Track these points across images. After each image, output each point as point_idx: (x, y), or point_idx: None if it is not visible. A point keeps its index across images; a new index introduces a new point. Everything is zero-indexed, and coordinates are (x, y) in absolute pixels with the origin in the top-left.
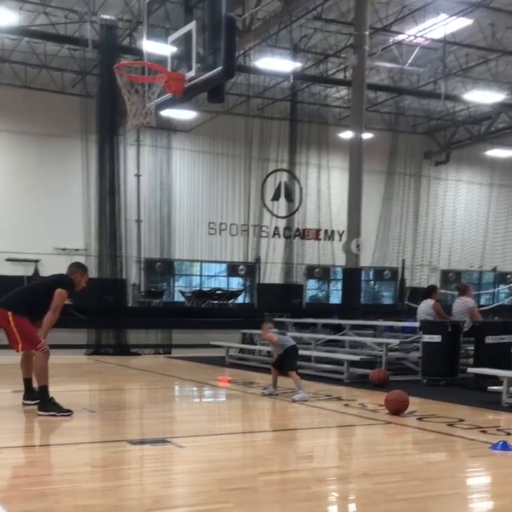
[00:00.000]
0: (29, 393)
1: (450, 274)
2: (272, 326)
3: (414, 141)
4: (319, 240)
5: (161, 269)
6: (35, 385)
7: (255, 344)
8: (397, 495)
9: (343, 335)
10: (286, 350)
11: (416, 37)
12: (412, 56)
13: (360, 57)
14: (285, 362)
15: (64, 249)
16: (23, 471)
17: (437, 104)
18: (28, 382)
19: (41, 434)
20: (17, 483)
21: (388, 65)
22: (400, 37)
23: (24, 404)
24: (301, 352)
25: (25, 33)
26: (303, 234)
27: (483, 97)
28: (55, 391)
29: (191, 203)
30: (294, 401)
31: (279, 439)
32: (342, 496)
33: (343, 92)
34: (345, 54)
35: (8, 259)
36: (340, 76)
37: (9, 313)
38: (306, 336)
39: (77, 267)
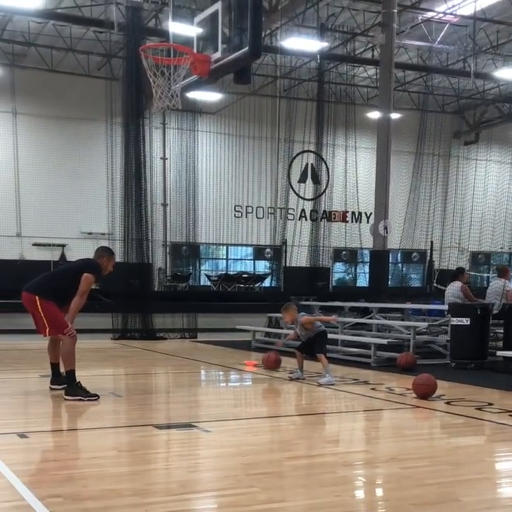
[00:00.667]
0: (56, 378)
1: (479, 255)
2: (297, 309)
3: (443, 121)
4: (346, 222)
5: (187, 252)
6: (62, 369)
7: (281, 328)
8: (425, 479)
9: (371, 318)
10: (319, 333)
11: (445, 14)
12: (442, 34)
13: (389, 36)
14: (315, 345)
15: (90, 234)
16: (51, 455)
17: (467, 82)
18: (55, 366)
19: (68, 418)
20: (45, 468)
21: (417, 43)
22: (429, 14)
23: (51, 388)
24: (330, 335)
25: (51, 16)
26: (329, 216)
27: None
28: (81, 376)
29: (217, 186)
30: (320, 385)
31: (306, 423)
32: (369, 481)
33: (371, 71)
34: (373, 33)
35: (35, 244)
36: (368, 55)
37: (37, 297)
38: (332, 318)
39: (104, 251)
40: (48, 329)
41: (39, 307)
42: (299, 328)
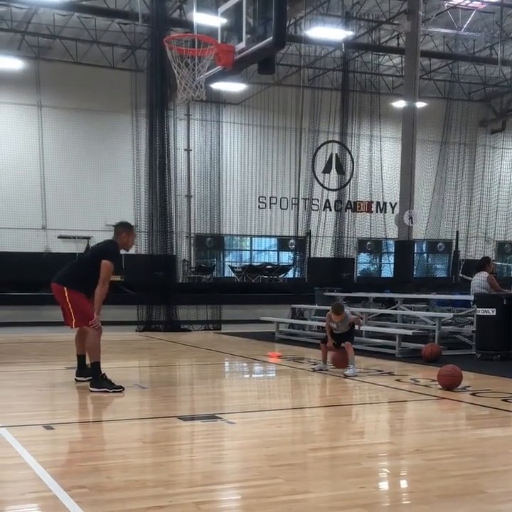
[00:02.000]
0: (82, 370)
1: (506, 245)
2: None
3: (470, 109)
4: (371, 212)
5: (211, 244)
6: (87, 361)
7: (305, 319)
8: (450, 471)
9: (395, 309)
10: (350, 328)
11: (472, 0)
12: (468, 21)
13: (414, 24)
14: (346, 335)
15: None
16: (76, 446)
17: (494, 70)
18: (81, 358)
19: (93, 410)
20: (70, 459)
21: (443, 30)
22: (455, 1)
23: (77, 380)
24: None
25: (76, 8)
26: (354, 206)
27: None
28: (106, 367)
29: (241, 177)
30: (346, 376)
31: (330, 414)
32: (393, 472)
33: (396, 60)
34: (398, 20)
35: (60, 237)
36: (393, 43)
37: (65, 288)
38: (357, 310)
39: (122, 227)
40: (74, 321)
41: (67, 298)
42: (339, 325)
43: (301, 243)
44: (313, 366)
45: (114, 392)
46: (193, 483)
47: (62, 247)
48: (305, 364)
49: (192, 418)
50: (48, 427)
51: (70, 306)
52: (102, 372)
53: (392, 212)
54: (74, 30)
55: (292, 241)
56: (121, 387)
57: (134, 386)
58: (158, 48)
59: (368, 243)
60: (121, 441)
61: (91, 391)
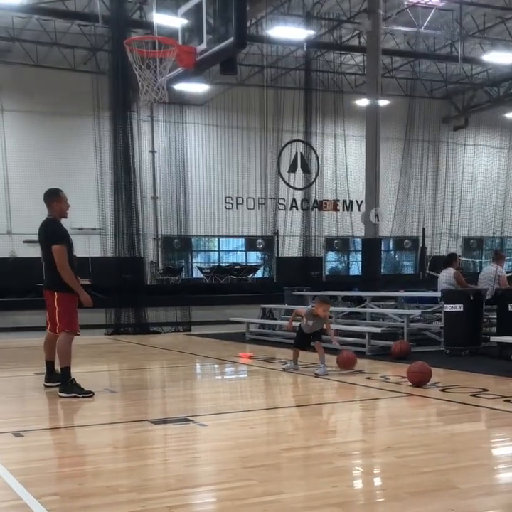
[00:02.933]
0: (50, 375)
1: (471, 241)
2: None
3: (432, 106)
4: (337, 210)
5: (179, 245)
6: (57, 367)
7: (275, 319)
8: (422, 467)
9: (364, 307)
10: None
11: None
12: (428, 19)
13: (375, 22)
14: (316, 334)
15: (81, 229)
16: (46, 453)
17: (455, 67)
18: (49, 364)
19: (63, 416)
20: (40, 466)
21: (403, 29)
22: None
23: (46, 386)
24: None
25: (35, 10)
26: (320, 205)
27: (501, 58)
28: (76, 372)
29: (207, 178)
30: (317, 375)
31: (302, 414)
32: (366, 471)
33: (358, 58)
34: (359, 19)
35: (26, 241)
36: (354, 42)
37: (56, 293)
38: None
39: (49, 197)
40: (58, 325)
41: (56, 302)
42: (313, 321)
43: (269, 243)
44: (283, 366)
45: (83, 397)
46: (166, 487)
47: (28, 251)
48: (276, 364)
49: (164, 421)
50: (17, 434)
51: (57, 310)
52: (72, 378)
53: (359, 211)
54: (33, 33)
55: (260, 241)
56: (91, 392)
57: (104, 390)
58: (120, 49)
59: (336, 241)
60: (93, 446)
61: (60, 397)
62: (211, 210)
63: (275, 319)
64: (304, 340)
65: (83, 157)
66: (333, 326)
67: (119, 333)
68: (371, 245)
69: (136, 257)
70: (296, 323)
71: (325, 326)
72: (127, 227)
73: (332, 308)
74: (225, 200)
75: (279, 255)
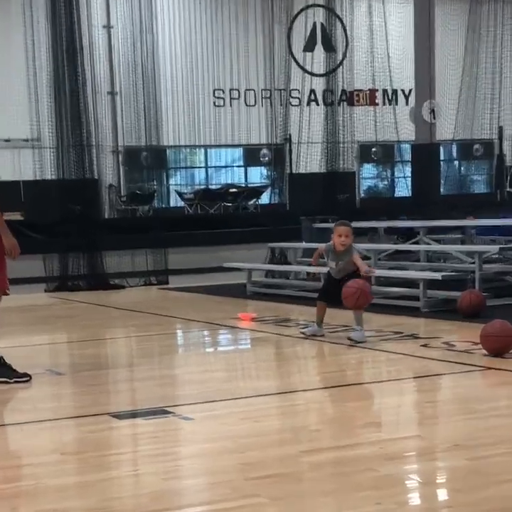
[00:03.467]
0: None
1: None
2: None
3: None
4: (376, 105)
5: (149, 161)
6: None
7: (289, 263)
8: (503, 474)
9: (417, 243)
10: (354, 271)
11: None
12: None
13: None
14: (349, 280)
15: (8, 141)
16: None
17: None
18: None
19: None
20: None
21: None
22: None
23: None
24: None
25: None
26: (351, 98)
27: None
28: (4, 348)
29: (187, 63)
30: (352, 342)
31: (331, 399)
32: (424, 481)
33: None
34: None
35: None
36: None
37: None
38: (362, 246)
39: None
40: None
41: None
42: (343, 261)
43: (277, 154)
44: (303, 330)
45: (16, 381)
46: (139, 508)
47: None
48: (291, 328)
49: (132, 415)
50: None
51: None
52: None
53: (406, 105)
54: None
55: (265, 152)
56: (26, 374)
57: (46, 372)
58: None
59: (374, 150)
60: (31, 453)
61: None
62: (194, 110)
63: (289, 263)
64: (332, 291)
65: (9, 46)
66: (376, 271)
67: (65, 290)
68: (425, 154)
69: (88, 179)
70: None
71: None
72: (73, 136)
73: (370, 246)
74: (214, 94)
75: (293, 171)
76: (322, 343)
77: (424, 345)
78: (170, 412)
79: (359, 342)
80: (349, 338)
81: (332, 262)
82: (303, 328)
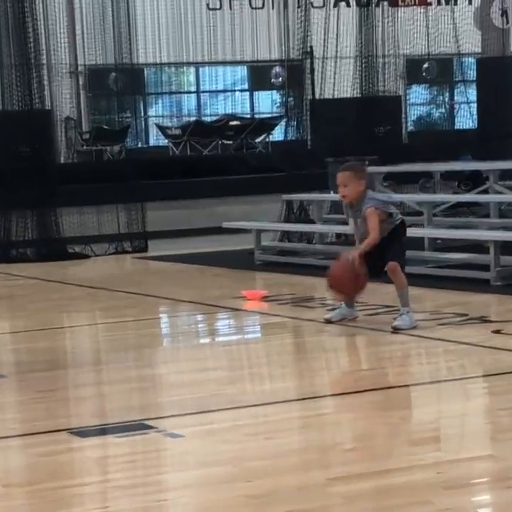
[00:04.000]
0: None
1: None
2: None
3: None
4: (428, 5)
5: (119, 85)
6: None
7: (312, 221)
8: None
9: (485, 192)
10: (395, 229)
11: None
12: None
13: None
14: (390, 249)
15: None
16: None
17: None
18: None
19: None
20: None
21: None
22: None
23: None
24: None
25: None
26: None
27: None
28: None
29: None
30: (395, 330)
31: (369, 407)
32: None
33: None
34: None
35: None
36: None
37: None
38: (410, 198)
39: None
40: None
41: None
42: (360, 220)
43: (294, 74)
44: (328, 315)
45: None
46: None
47: None
48: (316, 310)
49: (100, 431)
50: None
51: None
52: None
53: (469, 4)
54: None
55: (278, 70)
56: None
57: None
58: None
59: (426, 66)
60: None
61: None
62: (179, 13)
63: (312, 222)
64: (366, 258)
65: None
66: (427, 232)
67: (9, 261)
68: (495, 71)
69: (37, 111)
70: None
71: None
72: (16, 53)
73: (422, 198)
74: None
75: (316, 97)
76: (355, 329)
77: (497, 332)
78: (151, 427)
79: (405, 329)
80: (393, 328)
81: (351, 219)
82: (329, 310)
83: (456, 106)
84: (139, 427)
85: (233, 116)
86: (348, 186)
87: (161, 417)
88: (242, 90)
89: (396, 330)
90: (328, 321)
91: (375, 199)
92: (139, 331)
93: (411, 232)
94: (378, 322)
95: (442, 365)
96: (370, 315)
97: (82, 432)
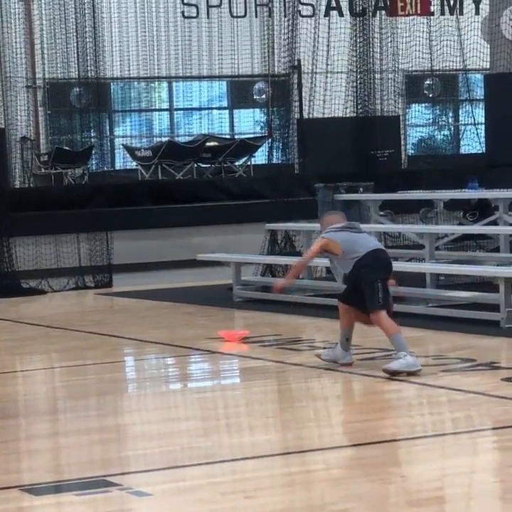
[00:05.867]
0: None
1: None
2: (339, 219)
3: None
4: (430, 15)
5: (83, 101)
6: None
7: (298, 252)
8: None
9: (494, 223)
10: (356, 266)
11: None
12: None
13: None
14: (364, 295)
15: None
16: None
17: None
18: None
19: None
20: None
21: None
22: None
23: None
24: (402, 266)
25: None
26: (393, 4)
27: None
28: None
29: None
30: (392, 374)
31: (364, 463)
32: None
33: None
34: None
35: None
36: None
37: None
38: (410, 229)
39: None
40: None
41: None
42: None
43: (280, 90)
44: (322, 356)
45: None
46: None
47: None
48: (303, 353)
49: (55, 489)
50: None
51: None
52: None
53: (476, 14)
54: None
55: (260, 86)
56: None
57: None
58: None
59: (428, 82)
60: None
61: None
62: (151, 22)
63: (299, 254)
64: (351, 292)
65: None
66: (429, 267)
67: None
68: (506, 88)
69: None
70: None
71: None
72: None
73: (423, 228)
74: None
75: (304, 116)
76: (348, 375)
77: (507, 380)
78: (114, 484)
79: (402, 371)
80: (384, 370)
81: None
82: (320, 351)
83: (462, 127)
84: (101, 484)
85: (210, 137)
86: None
87: (125, 473)
88: (220, 108)
89: (389, 372)
90: (318, 357)
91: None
92: (101, 376)
93: (411, 267)
94: (374, 367)
95: (446, 416)
96: (365, 359)
97: (36, 490)
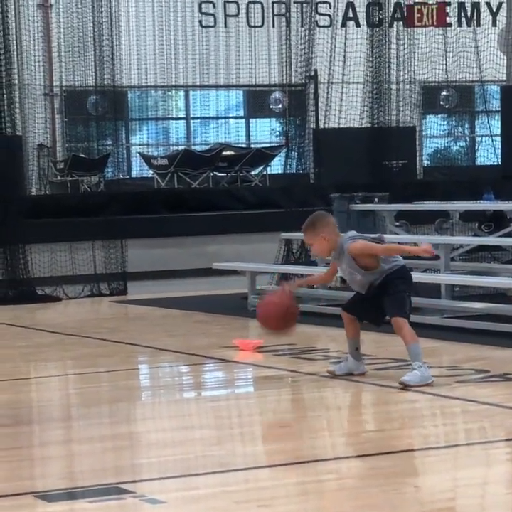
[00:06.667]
0: None
1: None
2: (326, 225)
3: None
4: (447, 26)
5: (100, 109)
6: None
7: (314, 263)
8: None
9: (510, 235)
10: (393, 274)
11: None
12: None
13: None
14: (386, 300)
15: None
16: None
17: None
18: None
19: None
20: None
21: None
22: None
23: None
24: (418, 276)
25: None
26: (410, 15)
27: None
28: None
29: None
30: (405, 386)
31: (377, 473)
32: None
33: None
34: None
35: None
36: None
37: None
38: (425, 240)
39: None
40: None
41: None
42: (344, 265)
43: (296, 100)
44: (332, 368)
45: None
46: None
47: None
48: (317, 362)
49: (69, 495)
50: None
51: None
52: None
53: (494, 26)
54: None
55: (277, 96)
56: None
57: None
58: None
59: (444, 93)
60: None
61: None
62: (168, 31)
63: (314, 263)
64: (358, 303)
65: None
66: (444, 278)
67: None
68: None
69: (7, 137)
70: None
71: (364, 263)
72: None
73: (438, 239)
74: (200, 8)
75: (320, 126)
76: (362, 385)
77: None
78: (127, 491)
79: (416, 385)
80: (401, 383)
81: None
82: (335, 362)
83: (478, 139)
84: (114, 491)
85: (227, 146)
86: (314, 244)
87: (138, 481)
88: (237, 117)
89: (404, 386)
90: (332, 374)
91: (355, 236)
92: (115, 383)
93: (426, 278)
94: (388, 377)
95: (460, 427)
96: (379, 370)
97: (49, 496)
